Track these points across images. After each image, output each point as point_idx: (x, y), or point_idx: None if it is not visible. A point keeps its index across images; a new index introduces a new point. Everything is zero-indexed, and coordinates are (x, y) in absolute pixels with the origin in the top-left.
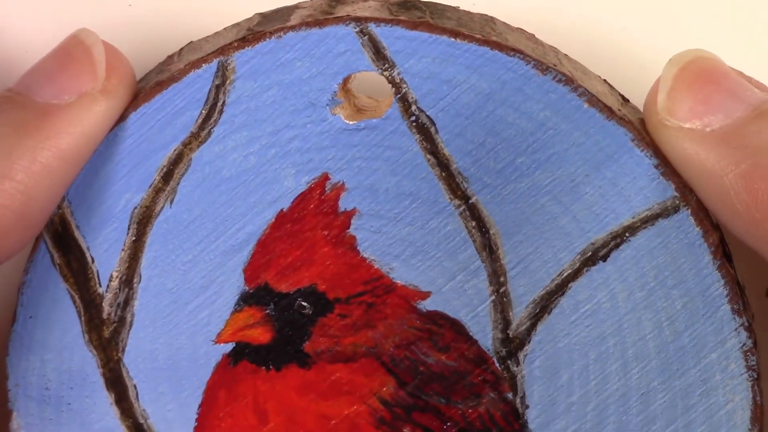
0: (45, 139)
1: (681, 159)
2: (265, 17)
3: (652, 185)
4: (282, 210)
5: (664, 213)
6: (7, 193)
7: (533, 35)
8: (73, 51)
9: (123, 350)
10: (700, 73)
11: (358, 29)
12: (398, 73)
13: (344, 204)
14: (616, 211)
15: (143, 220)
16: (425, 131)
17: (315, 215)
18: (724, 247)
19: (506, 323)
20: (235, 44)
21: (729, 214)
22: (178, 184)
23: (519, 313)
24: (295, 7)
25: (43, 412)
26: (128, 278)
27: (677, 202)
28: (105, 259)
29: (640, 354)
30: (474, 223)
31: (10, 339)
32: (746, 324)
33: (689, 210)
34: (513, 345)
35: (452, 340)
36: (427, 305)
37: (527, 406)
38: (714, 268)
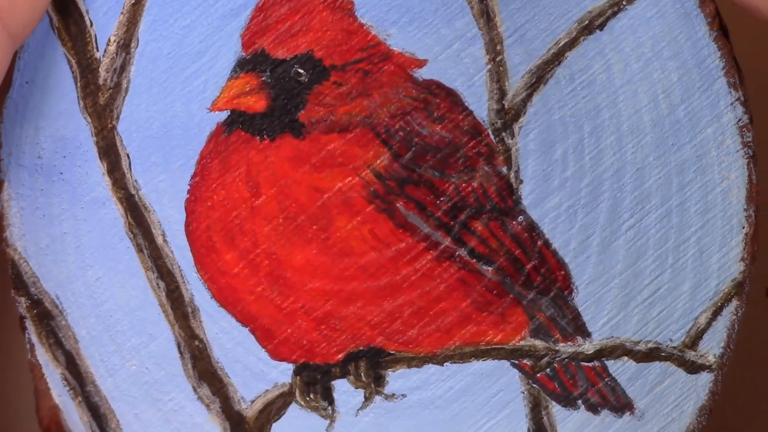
0: None
1: None
2: None
3: None
4: None
5: None
6: None
7: None
8: None
9: (117, 118)
10: None
11: None
12: None
13: None
14: None
15: None
16: None
17: None
18: (721, 20)
19: (502, 93)
20: None
21: None
22: None
23: (515, 83)
24: None
25: (35, 182)
26: (126, 42)
27: None
28: (104, 22)
29: (635, 128)
30: None
31: (4, 106)
32: (742, 99)
33: None
34: (508, 116)
35: (447, 110)
36: (423, 74)
37: (521, 181)
38: (710, 39)
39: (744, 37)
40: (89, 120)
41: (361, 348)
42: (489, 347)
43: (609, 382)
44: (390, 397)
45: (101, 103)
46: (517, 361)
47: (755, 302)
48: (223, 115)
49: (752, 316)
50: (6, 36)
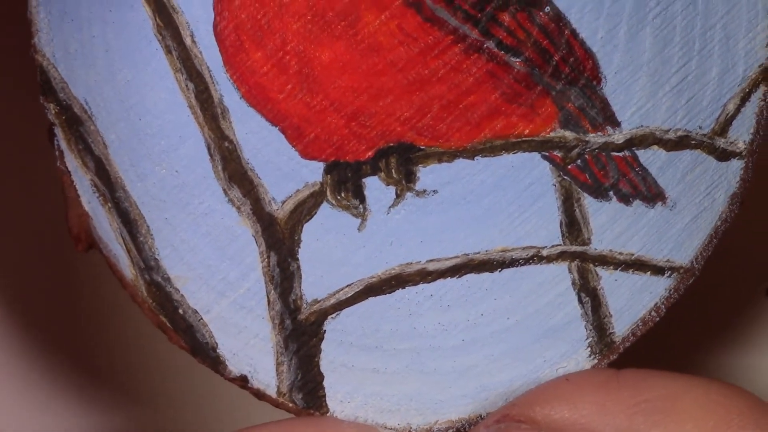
0: None
1: None
2: None
3: None
4: None
5: None
6: None
7: None
8: None
9: None
10: None
11: None
12: None
13: None
14: None
15: None
16: None
17: None
18: None
19: None
20: None
21: None
22: None
23: None
24: None
25: None
26: None
27: None
28: None
29: None
30: None
31: None
32: None
33: None
34: None
35: None
36: None
37: None
38: None
39: None
40: None
41: (392, 144)
42: (519, 139)
43: (640, 172)
44: (421, 193)
45: None
46: (547, 153)
47: (755, 302)
48: None
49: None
50: None
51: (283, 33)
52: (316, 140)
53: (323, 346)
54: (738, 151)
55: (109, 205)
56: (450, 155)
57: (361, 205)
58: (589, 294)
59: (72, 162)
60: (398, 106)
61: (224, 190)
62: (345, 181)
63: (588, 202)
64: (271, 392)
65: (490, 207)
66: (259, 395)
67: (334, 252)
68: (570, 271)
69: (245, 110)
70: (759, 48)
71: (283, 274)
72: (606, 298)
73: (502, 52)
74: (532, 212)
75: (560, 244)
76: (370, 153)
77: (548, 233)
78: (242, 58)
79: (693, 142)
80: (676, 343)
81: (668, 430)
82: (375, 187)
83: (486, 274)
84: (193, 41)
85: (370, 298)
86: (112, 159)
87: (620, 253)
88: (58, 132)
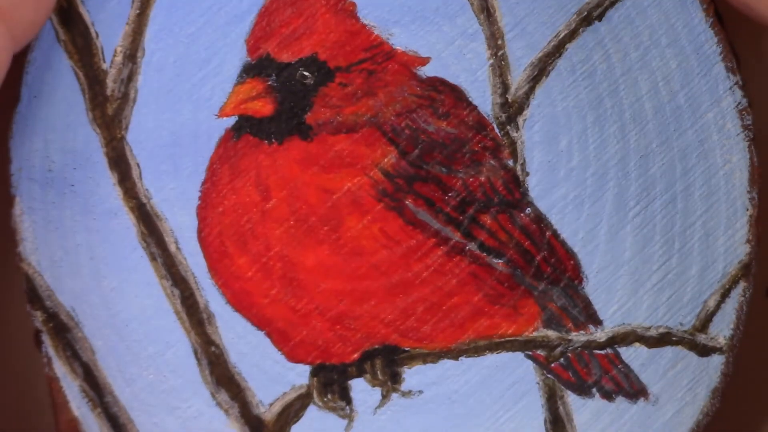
0: None
1: None
2: None
3: None
4: None
5: None
6: None
7: None
8: None
9: (126, 128)
10: None
11: None
12: None
13: None
14: None
15: None
16: None
17: None
18: (716, 6)
19: (505, 87)
20: None
21: None
22: None
23: (517, 77)
24: None
25: (46, 195)
26: (132, 53)
27: None
28: (109, 33)
29: (637, 115)
30: None
31: (13, 121)
32: (740, 83)
33: None
34: (512, 110)
35: (452, 106)
36: (426, 71)
37: (527, 173)
38: (707, 25)
39: (737, 22)
40: (98, 131)
41: (377, 346)
42: (503, 340)
43: (622, 369)
44: (407, 393)
45: (110, 114)
46: (531, 352)
47: (755, 302)
48: (231, 121)
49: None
50: (9, 37)
51: (266, 238)
52: (302, 343)
53: None
54: (719, 346)
55: (99, 410)
56: (435, 356)
57: (347, 407)
58: None
59: (60, 368)
60: (382, 308)
61: (212, 393)
62: (331, 383)
63: (572, 399)
64: None
65: (475, 406)
66: None
67: None
68: None
69: (231, 315)
70: (738, 244)
71: None
72: None
73: (485, 254)
74: (516, 410)
75: None
76: (355, 355)
77: (533, 430)
78: (227, 264)
79: (674, 338)
80: None
81: None
82: (361, 389)
83: None
84: (178, 248)
85: None
86: (100, 365)
87: None
88: (46, 339)
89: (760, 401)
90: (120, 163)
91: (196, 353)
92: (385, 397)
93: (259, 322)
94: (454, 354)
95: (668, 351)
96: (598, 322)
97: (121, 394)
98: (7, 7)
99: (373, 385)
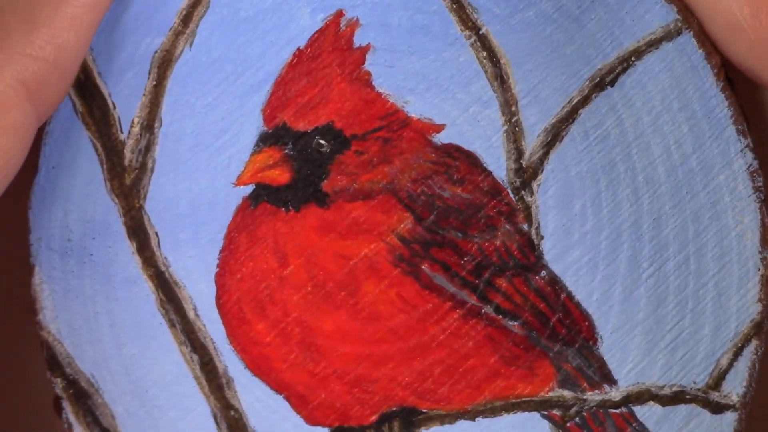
0: None
1: None
2: None
3: (655, 9)
4: (299, 48)
5: (668, 36)
6: (36, 44)
7: None
8: None
9: (144, 197)
10: None
11: None
12: None
13: (359, 40)
14: (620, 36)
15: (164, 64)
16: None
17: (331, 52)
18: (726, 70)
19: (519, 153)
20: None
21: (732, 34)
22: (197, 26)
23: (531, 143)
24: None
25: (66, 264)
26: (149, 123)
27: (680, 24)
28: (126, 105)
29: (650, 179)
30: (485, 54)
31: (32, 192)
32: (751, 145)
33: (692, 32)
34: (527, 175)
35: (467, 172)
36: (441, 138)
37: (542, 237)
38: (718, 89)
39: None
40: (116, 201)
41: (394, 408)
42: (519, 400)
43: (637, 427)
44: None
45: (128, 184)
46: (546, 412)
47: None
48: (249, 189)
49: None
50: (34, 115)
51: (285, 304)
52: (321, 407)
53: None
54: (732, 403)
55: None
56: (452, 417)
57: None
58: None
59: None
60: (399, 371)
61: None
62: None
63: None
64: None
65: None
66: None
67: None
68: None
69: (250, 379)
70: (750, 303)
71: None
72: None
73: (500, 317)
74: None
75: None
76: (373, 417)
77: None
78: (245, 330)
79: (688, 396)
80: None
81: None
82: None
83: None
84: (196, 314)
85: None
86: (121, 430)
87: None
88: (66, 405)
89: None
90: (138, 232)
91: (215, 417)
92: None
93: (278, 386)
94: (471, 415)
95: (682, 409)
96: (612, 381)
97: None
98: (35, 87)
99: None
